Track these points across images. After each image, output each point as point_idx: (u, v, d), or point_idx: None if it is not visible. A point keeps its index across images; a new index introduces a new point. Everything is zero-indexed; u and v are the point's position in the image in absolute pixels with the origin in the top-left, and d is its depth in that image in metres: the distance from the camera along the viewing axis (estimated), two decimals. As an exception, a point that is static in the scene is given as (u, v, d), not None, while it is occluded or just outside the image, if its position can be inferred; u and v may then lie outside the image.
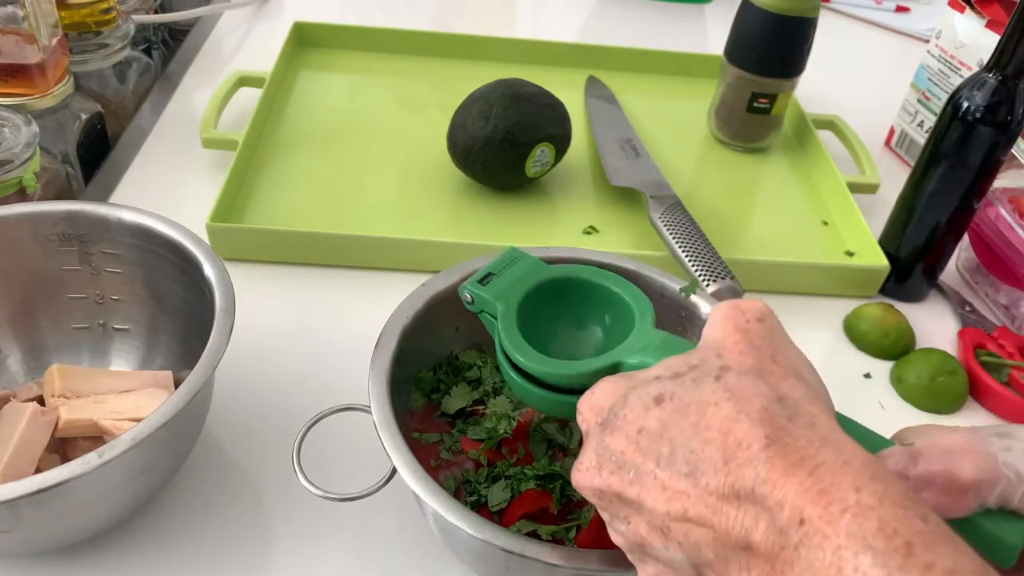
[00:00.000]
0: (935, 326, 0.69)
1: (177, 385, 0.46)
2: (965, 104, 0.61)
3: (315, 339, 0.61)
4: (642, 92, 0.93)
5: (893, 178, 0.80)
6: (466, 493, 0.47)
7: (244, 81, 0.82)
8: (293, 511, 0.50)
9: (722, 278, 0.62)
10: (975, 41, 0.79)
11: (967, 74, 0.77)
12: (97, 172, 0.75)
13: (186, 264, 0.50)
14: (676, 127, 0.88)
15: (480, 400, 0.51)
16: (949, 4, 0.82)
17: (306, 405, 0.49)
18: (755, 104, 0.81)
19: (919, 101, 0.86)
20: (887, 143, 0.92)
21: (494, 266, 0.44)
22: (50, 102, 0.68)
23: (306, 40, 0.93)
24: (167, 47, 0.97)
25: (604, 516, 0.34)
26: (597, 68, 0.95)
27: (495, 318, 0.41)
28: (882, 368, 0.65)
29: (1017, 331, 0.68)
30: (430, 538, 0.49)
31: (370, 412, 0.43)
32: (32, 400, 0.49)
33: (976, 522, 0.32)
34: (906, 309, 0.69)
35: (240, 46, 0.98)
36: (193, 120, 0.81)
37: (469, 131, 0.71)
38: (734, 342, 0.33)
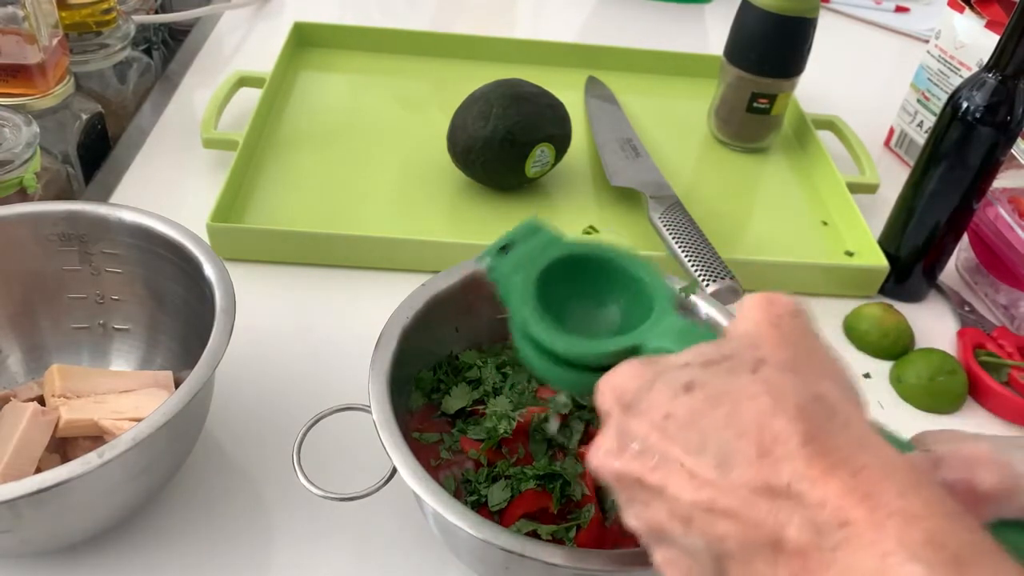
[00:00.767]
0: (935, 326, 0.69)
1: (177, 385, 0.46)
2: (965, 104, 0.61)
3: (315, 339, 0.62)
4: (642, 92, 0.93)
5: (893, 178, 0.79)
6: (466, 493, 0.47)
7: (244, 81, 0.82)
8: (293, 511, 0.50)
9: (722, 278, 0.62)
10: (975, 41, 0.79)
11: (967, 74, 0.77)
12: (97, 172, 0.75)
13: (186, 264, 0.50)
14: (676, 127, 0.88)
15: (480, 400, 0.51)
16: (949, 4, 0.82)
17: (306, 405, 0.49)
18: (755, 104, 0.81)
19: (919, 101, 0.86)
20: (887, 143, 0.92)
21: (514, 235, 0.43)
22: (50, 102, 0.68)
23: (306, 40, 0.93)
24: (167, 47, 0.97)
25: (619, 499, 0.33)
26: (597, 68, 0.95)
27: (510, 289, 0.41)
28: (882, 368, 0.65)
29: (1016, 331, 0.68)
30: (430, 538, 0.49)
31: (370, 412, 0.43)
32: (32, 400, 0.49)
33: (993, 533, 0.32)
34: (906, 309, 0.69)
35: (240, 46, 0.98)
36: (193, 120, 0.81)
37: (469, 131, 0.71)
38: (769, 336, 0.32)
